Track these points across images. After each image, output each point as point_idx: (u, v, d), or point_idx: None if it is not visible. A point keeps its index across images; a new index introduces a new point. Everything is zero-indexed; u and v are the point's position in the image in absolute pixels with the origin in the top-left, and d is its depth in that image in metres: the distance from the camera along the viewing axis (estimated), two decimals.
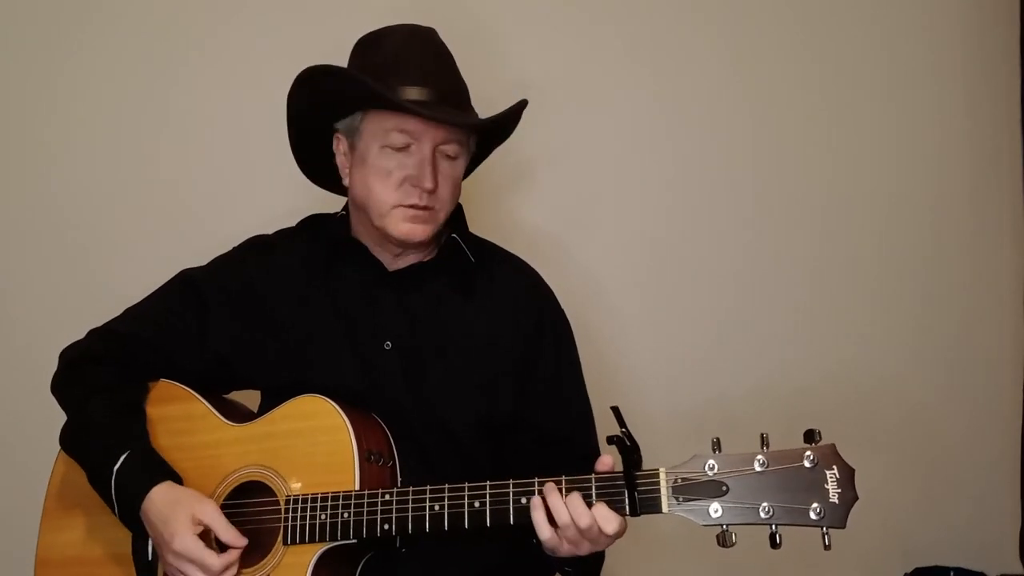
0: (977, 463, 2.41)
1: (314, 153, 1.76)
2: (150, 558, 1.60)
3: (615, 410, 1.38)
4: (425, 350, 1.67)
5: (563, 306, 1.81)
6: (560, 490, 1.40)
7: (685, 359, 2.36)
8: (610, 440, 1.38)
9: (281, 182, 1.96)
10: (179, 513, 1.52)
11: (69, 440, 1.68)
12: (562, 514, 1.40)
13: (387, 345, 1.67)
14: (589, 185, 2.38)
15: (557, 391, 1.73)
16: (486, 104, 1.78)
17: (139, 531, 1.58)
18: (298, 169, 1.84)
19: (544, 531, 1.41)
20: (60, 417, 1.72)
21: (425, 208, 1.63)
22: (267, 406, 1.69)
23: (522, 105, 1.68)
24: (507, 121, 1.70)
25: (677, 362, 2.36)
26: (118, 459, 1.57)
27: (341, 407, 1.56)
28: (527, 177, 2.34)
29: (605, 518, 1.39)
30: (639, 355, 2.35)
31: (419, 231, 1.64)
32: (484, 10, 2.33)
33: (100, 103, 2.29)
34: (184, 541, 1.50)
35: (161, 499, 1.55)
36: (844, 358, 2.39)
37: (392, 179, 1.63)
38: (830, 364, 2.38)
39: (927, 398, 2.41)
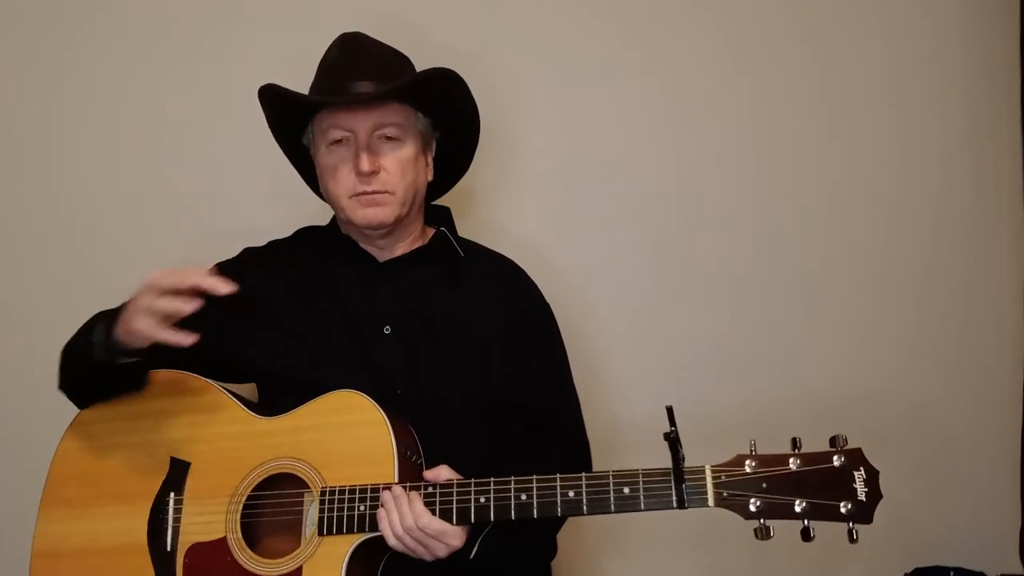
0: (977, 463, 2.41)
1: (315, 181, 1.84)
2: (168, 548, 1.61)
3: (669, 410, 1.43)
4: (421, 331, 1.73)
5: (563, 311, 1.87)
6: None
7: (686, 360, 2.36)
8: (666, 436, 1.43)
9: (282, 183, 1.97)
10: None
11: (65, 351, 1.70)
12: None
13: (387, 330, 1.72)
14: (587, 188, 2.38)
15: (545, 377, 1.79)
16: (482, 105, 1.80)
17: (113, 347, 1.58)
18: (305, 182, 1.91)
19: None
20: (61, 417, 1.73)
21: (375, 193, 1.71)
22: (268, 399, 1.73)
23: (434, 72, 1.70)
24: (419, 86, 1.71)
25: (676, 364, 2.35)
26: (96, 328, 1.62)
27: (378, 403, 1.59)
28: (521, 183, 2.35)
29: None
30: (633, 360, 2.35)
31: (377, 213, 1.72)
32: (481, 10, 2.33)
33: (100, 103, 2.30)
34: (150, 273, 1.51)
35: None
36: (844, 359, 2.39)
37: (339, 173, 1.72)
38: (830, 364, 2.38)
39: (927, 398, 2.40)
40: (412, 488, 1.51)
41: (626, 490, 1.45)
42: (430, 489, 1.51)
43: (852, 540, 1.39)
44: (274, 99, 1.75)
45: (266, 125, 1.83)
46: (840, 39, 2.43)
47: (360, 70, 1.73)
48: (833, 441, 1.42)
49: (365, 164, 1.68)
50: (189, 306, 1.48)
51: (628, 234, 2.38)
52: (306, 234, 1.89)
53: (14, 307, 2.27)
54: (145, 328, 1.50)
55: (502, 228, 2.26)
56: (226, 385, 1.72)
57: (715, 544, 2.17)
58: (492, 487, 1.49)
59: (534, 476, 1.48)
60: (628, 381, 2.33)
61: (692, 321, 2.37)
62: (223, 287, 1.49)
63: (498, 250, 1.91)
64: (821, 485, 1.40)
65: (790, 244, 2.40)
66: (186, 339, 1.50)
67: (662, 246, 2.38)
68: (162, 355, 1.66)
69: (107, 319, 1.61)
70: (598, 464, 1.81)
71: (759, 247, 2.40)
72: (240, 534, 1.59)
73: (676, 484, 1.42)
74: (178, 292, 1.49)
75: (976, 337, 2.43)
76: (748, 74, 2.41)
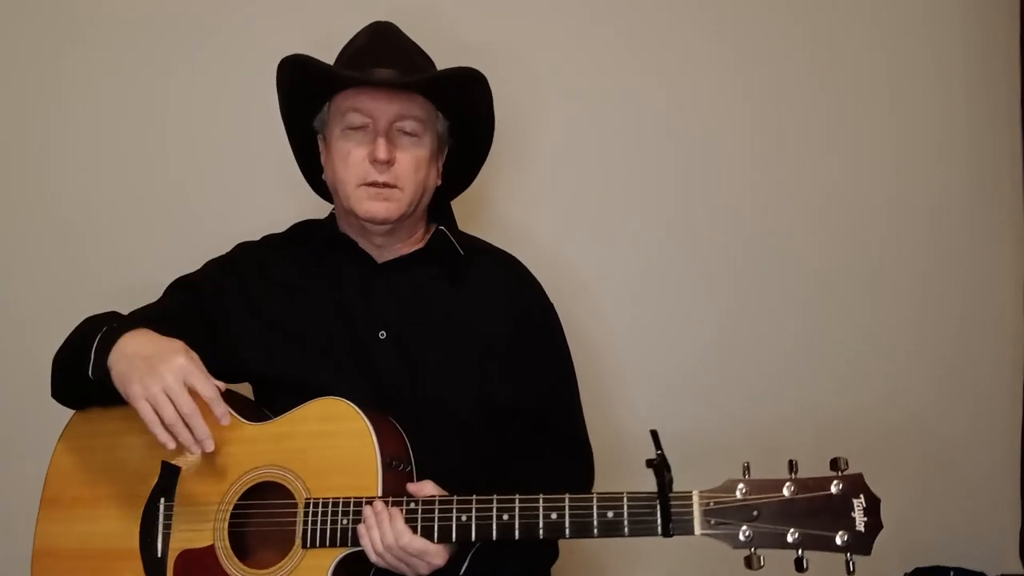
0: (977, 463, 2.41)
1: (315, 168, 1.81)
2: (159, 554, 1.59)
3: (653, 433, 1.39)
4: (419, 335, 1.70)
5: (565, 312, 1.84)
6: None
7: (683, 370, 2.36)
8: (649, 463, 1.38)
9: (284, 182, 1.97)
10: (172, 345, 1.54)
11: (56, 360, 1.69)
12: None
13: (382, 335, 1.69)
14: (587, 190, 2.38)
15: (547, 378, 1.77)
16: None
17: (101, 369, 1.56)
18: (300, 169, 1.87)
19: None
20: (62, 417, 1.73)
21: (385, 185, 1.67)
22: (263, 401, 1.71)
23: (465, 70, 1.68)
24: (447, 82, 1.69)
25: (676, 373, 2.35)
26: (100, 331, 1.59)
27: (363, 411, 1.56)
28: (522, 182, 2.35)
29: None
30: (639, 367, 2.35)
31: (381, 208, 1.68)
32: (482, 10, 2.33)
33: (100, 103, 2.30)
34: (179, 359, 1.51)
35: (146, 336, 1.57)
36: (844, 360, 2.39)
37: (352, 159, 1.68)
38: (830, 366, 2.38)
39: (928, 399, 2.40)
40: (394, 504, 1.48)
41: (610, 514, 1.40)
42: (412, 505, 1.48)
43: (849, 572, 1.31)
44: (298, 70, 1.69)
45: (269, 124, 1.81)
46: (840, 39, 2.43)
47: (386, 58, 1.69)
48: (834, 463, 1.34)
49: (382, 151, 1.64)
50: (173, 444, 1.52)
51: (636, 239, 2.37)
52: (303, 229, 1.85)
53: (14, 307, 2.27)
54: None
55: (506, 227, 2.25)
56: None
57: (714, 540, 2.16)
58: (474, 506, 1.45)
59: (516, 496, 1.44)
60: (632, 387, 2.32)
61: (697, 324, 2.36)
62: (225, 420, 1.53)
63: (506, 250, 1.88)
64: (817, 514, 1.33)
65: (790, 246, 2.40)
66: (171, 442, 1.52)
67: (666, 251, 2.38)
68: None
69: (103, 338, 1.57)
70: (602, 469, 1.79)
71: (758, 249, 2.39)
72: (227, 542, 1.57)
73: (662, 512, 1.36)
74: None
75: (976, 338, 2.43)
76: (749, 74, 2.41)
